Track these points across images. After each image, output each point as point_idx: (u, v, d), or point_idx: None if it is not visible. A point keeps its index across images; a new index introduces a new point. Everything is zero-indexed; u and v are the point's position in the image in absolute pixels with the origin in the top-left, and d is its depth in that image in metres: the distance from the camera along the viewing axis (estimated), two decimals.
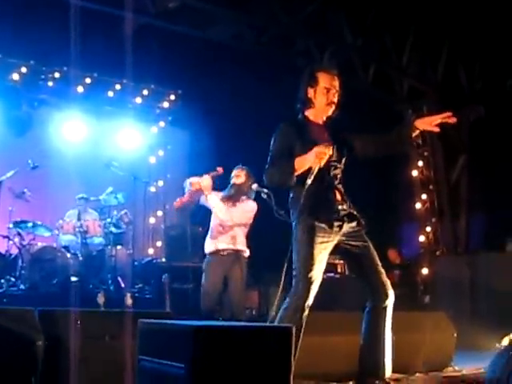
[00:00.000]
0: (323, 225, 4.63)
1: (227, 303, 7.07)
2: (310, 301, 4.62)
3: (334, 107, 4.84)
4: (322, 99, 4.81)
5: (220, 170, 7.09)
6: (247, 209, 7.17)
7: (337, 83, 4.86)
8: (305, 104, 4.86)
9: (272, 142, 4.78)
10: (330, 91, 4.81)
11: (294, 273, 4.67)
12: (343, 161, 4.86)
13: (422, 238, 12.99)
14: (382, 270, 4.77)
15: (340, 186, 4.82)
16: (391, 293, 4.74)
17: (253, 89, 11.22)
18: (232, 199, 7.13)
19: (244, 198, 7.16)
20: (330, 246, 4.70)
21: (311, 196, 4.58)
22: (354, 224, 4.78)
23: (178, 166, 13.27)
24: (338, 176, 4.83)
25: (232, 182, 7.18)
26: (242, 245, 7.15)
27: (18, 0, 9.86)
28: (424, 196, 13.01)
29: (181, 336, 3.27)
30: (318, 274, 4.63)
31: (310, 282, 4.58)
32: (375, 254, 4.79)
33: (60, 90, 12.15)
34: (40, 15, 10.18)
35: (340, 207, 4.74)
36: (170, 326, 3.55)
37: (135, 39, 9.73)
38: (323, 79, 4.83)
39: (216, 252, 7.12)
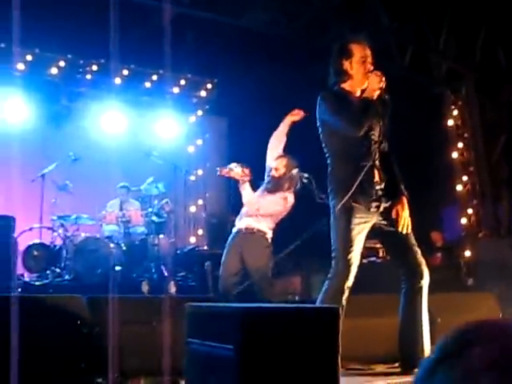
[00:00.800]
0: (361, 206, 4.63)
1: (255, 287, 6.90)
2: (349, 282, 4.62)
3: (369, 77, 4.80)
4: (360, 70, 4.79)
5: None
6: (280, 201, 6.87)
7: (369, 52, 4.85)
8: (341, 76, 4.83)
9: (327, 105, 4.76)
10: (366, 61, 4.79)
11: (332, 254, 4.67)
12: (379, 136, 4.83)
13: (463, 221, 12.85)
14: (418, 250, 4.76)
15: (378, 164, 4.78)
16: (426, 272, 4.73)
17: (288, 74, 11.21)
18: (270, 192, 6.93)
19: (286, 188, 6.88)
20: (368, 227, 4.70)
21: (350, 176, 4.57)
22: (389, 203, 4.77)
23: (217, 155, 13.32)
24: (377, 152, 4.78)
25: (271, 175, 6.89)
26: (265, 228, 6.87)
27: None
28: (465, 178, 12.87)
29: (229, 318, 3.30)
30: (357, 255, 4.63)
31: (349, 263, 4.58)
32: (411, 233, 4.78)
33: (98, 83, 12.27)
34: (75, 8, 10.28)
35: (378, 187, 4.73)
36: (218, 309, 3.60)
37: (170, 29, 9.76)
38: (357, 50, 4.82)
39: (238, 230, 6.95)
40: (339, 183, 4.65)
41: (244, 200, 6.93)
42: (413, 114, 10.85)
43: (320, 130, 4.82)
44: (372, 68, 4.79)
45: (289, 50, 11.49)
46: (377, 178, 4.74)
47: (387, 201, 4.75)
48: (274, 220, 6.95)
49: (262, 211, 6.86)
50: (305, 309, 3.79)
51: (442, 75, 12.75)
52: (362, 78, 4.79)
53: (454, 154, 12.92)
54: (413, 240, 4.77)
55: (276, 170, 6.87)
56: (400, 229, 4.70)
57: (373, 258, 10.11)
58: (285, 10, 11.06)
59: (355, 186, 4.52)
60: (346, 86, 4.85)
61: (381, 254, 10.21)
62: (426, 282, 4.74)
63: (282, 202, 6.88)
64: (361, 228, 4.63)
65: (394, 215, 4.73)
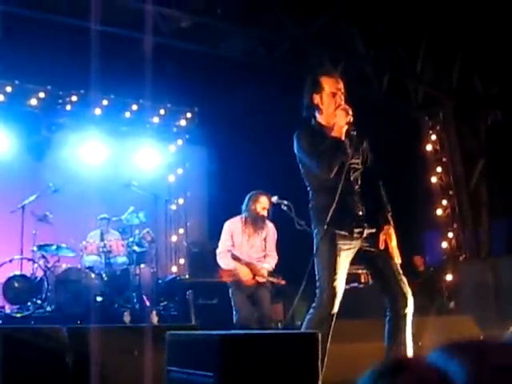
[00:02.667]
0: (344, 232, 4.64)
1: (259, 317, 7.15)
2: (334, 310, 4.60)
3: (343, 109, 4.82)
4: (330, 104, 4.76)
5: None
6: (269, 236, 7.30)
7: (341, 85, 4.82)
8: (312, 110, 4.84)
9: (301, 145, 4.76)
10: (335, 95, 4.76)
11: (317, 283, 4.67)
12: (361, 164, 4.84)
13: (444, 245, 12.93)
14: (403, 278, 4.72)
15: (359, 191, 4.79)
16: (411, 301, 4.68)
17: (268, 103, 11.28)
18: (254, 227, 7.22)
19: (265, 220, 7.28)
20: (351, 253, 4.69)
21: (329, 205, 4.57)
22: (373, 229, 4.79)
23: (198, 184, 13.39)
24: (358, 180, 4.79)
25: (260, 214, 7.15)
26: (267, 264, 7.29)
27: (33, 25, 10.00)
28: (444, 202, 12.97)
29: (208, 345, 3.31)
30: (341, 283, 4.62)
31: (334, 292, 4.56)
32: (397, 262, 4.77)
33: (78, 113, 12.28)
34: (54, 40, 10.32)
35: (360, 213, 4.74)
36: (197, 336, 3.60)
37: (150, 59, 9.82)
38: (327, 84, 4.78)
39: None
40: (320, 213, 4.65)
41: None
42: (391, 139, 10.93)
43: (300, 165, 4.85)
44: (343, 102, 4.77)
45: (268, 79, 11.56)
46: (358, 204, 4.75)
47: (371, 226, 4.75)
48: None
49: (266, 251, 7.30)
50: (284, 334, 3.80)
51: (419, 100, 12.89)
52: (334, 111, 4.75)
53: (433, 179, 13.03)
54: (399, 268, 4.74)
55: (264, 209, 7.18)
56: (396, 260, 4.72)
57: (355, 284, 10.14)
58: (263, 39, 11.15)
59: (331, 212, 4.52)
60: (321, 119, 4.84)
61: (362, 280, 10.25)
62: (410, 310, 4.70)
63: (271, 236, 7.32)
64: (344, 255, 4.62)
65: (381, 246, 4.72)
